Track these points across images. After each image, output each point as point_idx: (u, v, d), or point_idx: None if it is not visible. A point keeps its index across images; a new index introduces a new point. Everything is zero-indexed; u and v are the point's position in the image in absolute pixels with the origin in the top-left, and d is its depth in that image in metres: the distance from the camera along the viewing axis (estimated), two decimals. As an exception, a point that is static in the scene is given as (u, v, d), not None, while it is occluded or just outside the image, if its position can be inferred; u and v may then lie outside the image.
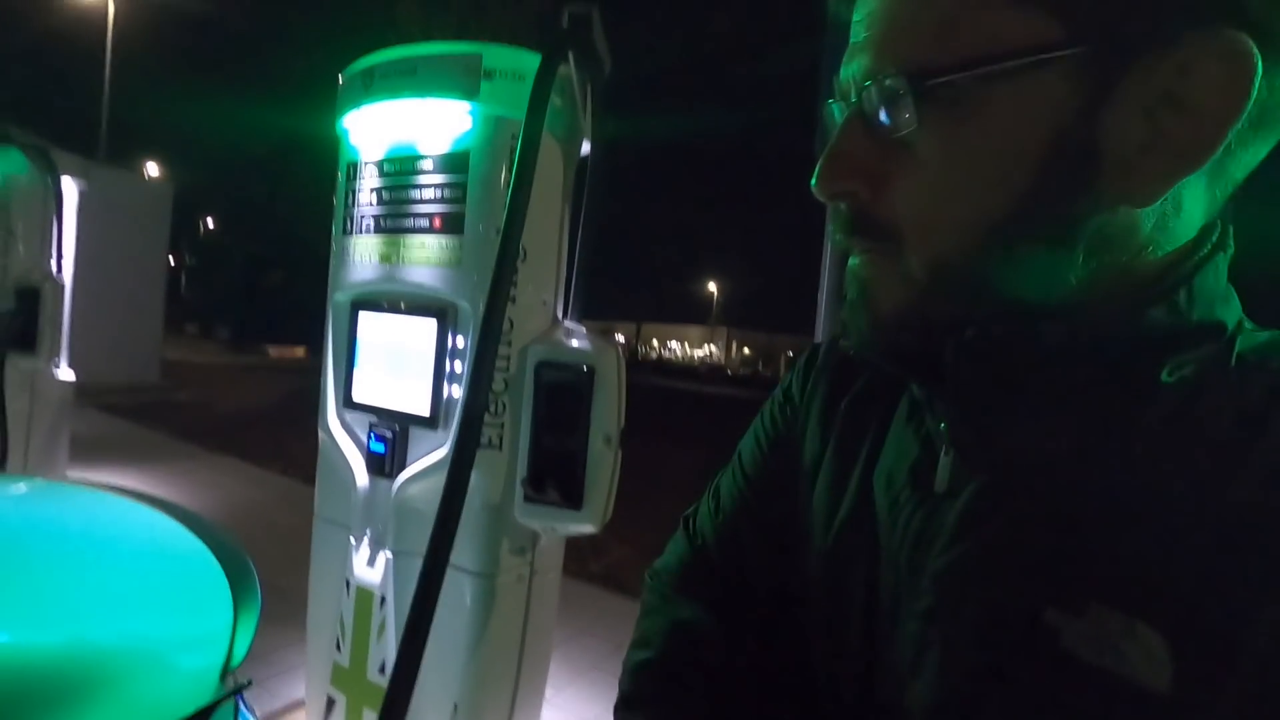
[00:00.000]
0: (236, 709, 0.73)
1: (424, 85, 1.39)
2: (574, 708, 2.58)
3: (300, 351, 19.29)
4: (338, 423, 1.63)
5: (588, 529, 1.41)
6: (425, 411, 1.45)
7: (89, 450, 5.02)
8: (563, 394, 1.40)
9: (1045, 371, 0.36)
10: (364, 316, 1.56)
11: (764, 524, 0.55)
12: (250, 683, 0.69)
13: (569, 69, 1.34)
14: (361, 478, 1.55)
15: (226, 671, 0.71)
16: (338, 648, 1.60)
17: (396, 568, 1.50)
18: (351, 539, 1.57)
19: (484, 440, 1.40)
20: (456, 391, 1.43)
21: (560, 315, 1.51)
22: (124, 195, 8.96)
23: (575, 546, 3.01)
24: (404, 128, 1.46)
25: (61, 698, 0.63)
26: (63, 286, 3.22)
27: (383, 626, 1.51)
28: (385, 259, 1.50)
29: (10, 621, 0.70)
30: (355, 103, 1.50)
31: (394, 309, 1.51)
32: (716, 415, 14.33)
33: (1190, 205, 0.36)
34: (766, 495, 0.56)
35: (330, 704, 1.62)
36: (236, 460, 5.69)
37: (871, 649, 0.44)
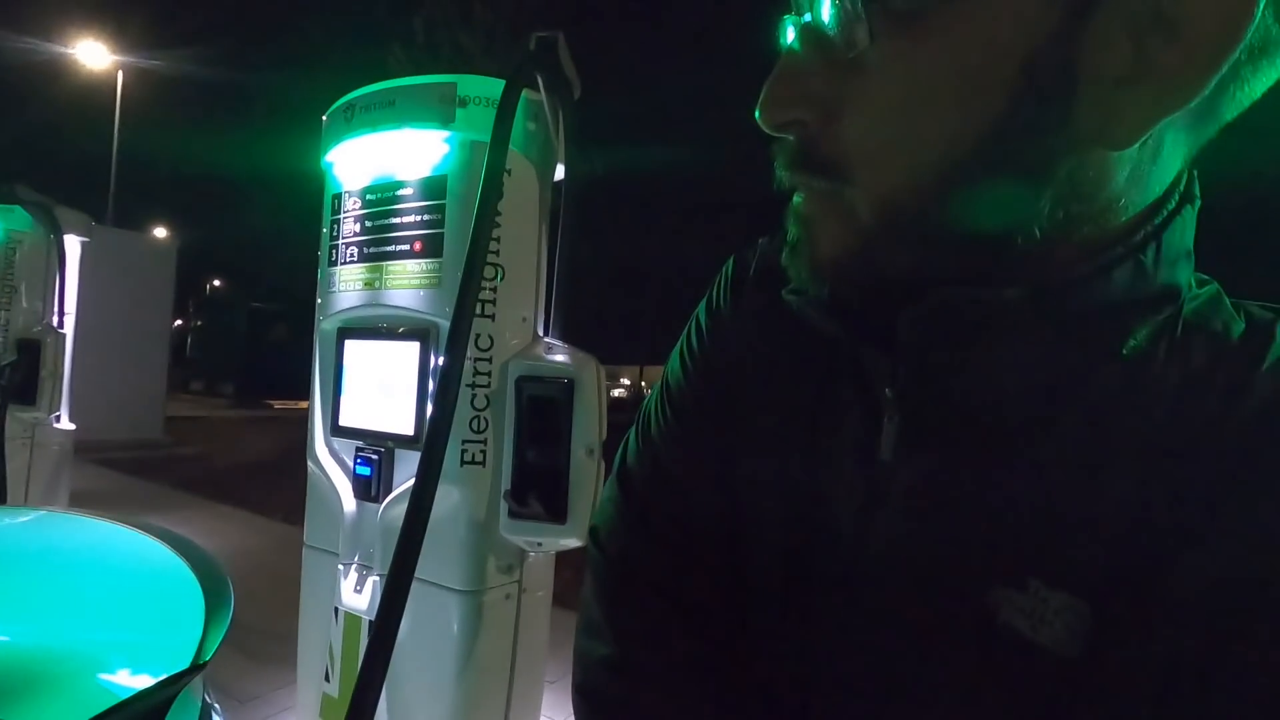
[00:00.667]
0: (205, 708, 0.73)
1: (402, 116, 1.45)
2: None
3: (303, 404, 19.27)
4: (325, 450, 1.64)
5: (573, 542, 1.41)
6: (410, 430, 1.47)
7: (89, 503, 5.01)
8: (544, 408, 1.41)
9: (1003, 340, 0.34)
10: (350, 344, 1.59)
11: (698, 464, 0.48)
12: (205, 663, 0.70)
13: (539, 94, 1.40)
14: (349, 503, 1.56)
15: (197, 665, 0.72)
16: (326, 678, 1.58)
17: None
18: (340, 566, 1.57)
19: (467, 457, 1.42)
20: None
21: (540, 332, 1.54)
22: (128, 255, 9.13)
23: (571, 576, 2.97)
24: (385, 158, 1.51)
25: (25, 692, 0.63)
26: (64, 338, 3.28)
27: (371, 652, 1.50)
28: (369, 285, 1.54)
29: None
30: (338, 138, 1.56)
31: (378, 333, 1.54)
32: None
33: (1170, 152, 0.32)
34: (699, 432, 0.49)
35: (320, 737, 1.59)
36: (237, 509, 5.67)
37: (805, 613, 0.42)
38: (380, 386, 1.53)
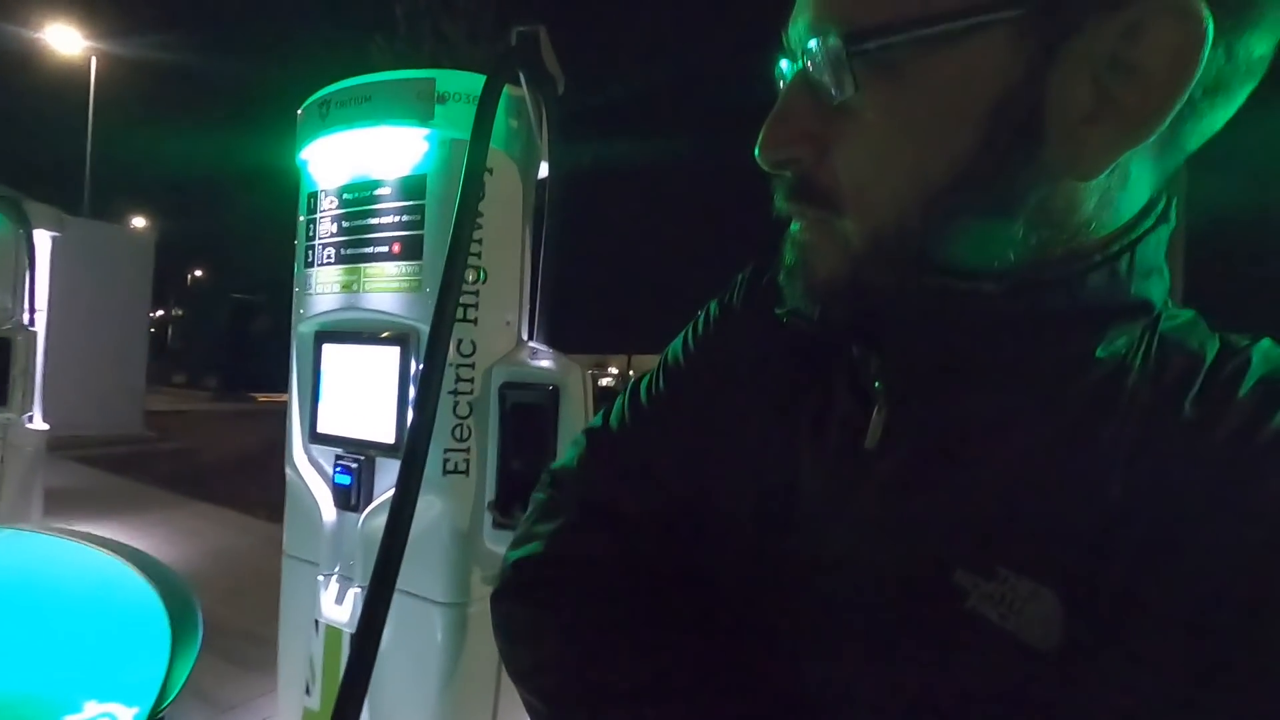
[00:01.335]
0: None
1: (379, 113, 1.39)
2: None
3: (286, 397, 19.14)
4: (304, 457, 1.59)
5: (559, 553, 1.38)
6: (390, 439, 1.43)
7: (65, 502, 4.92)
8: (528, 415, 1.38)
9: (983, 340, 0.36)
10: (328, 347, 1.54)
11: (679, 426, 0.51)
12: (164, 710, 0.66)
13: (522, 90, 1.35)
14: (328, 512, 1.52)
15: (157, 712, 0.68)
16: (307, 691, 1.54)
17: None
18: (320, 577, 1.53)
19: (450, 466, 1.38)
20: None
21: (524, 336, 1.49)
22: (104, 246, 8.96)
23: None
24: (361, 156, 1.46)
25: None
26: (35, 336, 3.19)
27: (352, 665, 1.46)
28: (347, 288, 1.49)
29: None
30: (313, 134, 1.50)
31: (357, 338, 1.50)
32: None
33: (1137, 179, 0.35)
34: (686, 407, 0.51)
35: (302, 751, 1.56)
36: (219, 508, 5.59)
37: (780, 596, 0.42)
38: (359, 393, 1.49)
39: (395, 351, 1.42)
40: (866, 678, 0.38)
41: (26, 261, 3.20)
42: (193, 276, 26.06)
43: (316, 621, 1.52)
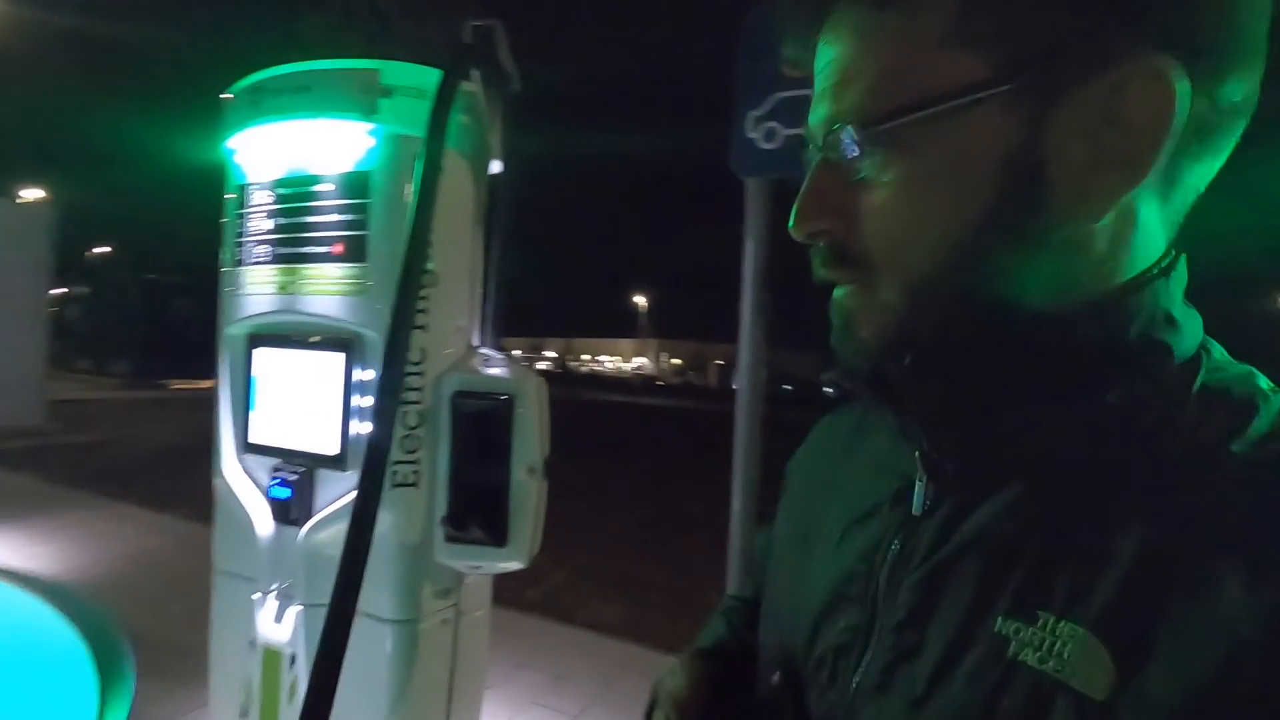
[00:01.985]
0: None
1: (319, 104, 1.30)
2: (513, 747, 2.48)
3: (208, 384, 18.20)
4: (235, 468, 1.50)
5: (515, 565, 1.34)
6: (334, 450, 1.35)
7: (-41, 506, 4.52)
8: (482, 425, 1.33)
9: (997, 393, 0.39)
10: (261, 352, 1.45)
11: (775, 550, 0.60)
12: None
13: (476, 85, 1.29)
14: (264, 526, 1.43)
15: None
16: (244, 714, 1.46)
17: (308, 622, 1.38)
18: (256, 595, 1.44)
19: (399, 479, 1.32)
20: (366, 428, 1.34)
21: (476, 341, 1.44)
22: (-4, 222, 8.21)
23: (510, 574, 2.91)
24: (298, 149, 1.36)
25: None
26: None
27: (294, 688, 1.39)
28: (283, 289, 1.40)
29: None
30: (243, 122, 1.39)
31: (295, 343, 1.41)
32: (653, 426, 14.34)
33: (1147, 220, 0.38)
34: (781, 525, 0.60)
35: (238, 777, 1.48)
36: (135, 507, 5.25)
37: (846, 674, 0.45)
38: (298, 401, 1.40)
39: (339, 358, 1.34)
40: None
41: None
42: (102, 255, 24.24)
43: (253, 642, 1.44)
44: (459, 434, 1.33)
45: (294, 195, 1.38)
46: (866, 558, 0.46)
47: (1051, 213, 0.36)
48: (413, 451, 1.33)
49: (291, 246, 1.38)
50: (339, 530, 1.35)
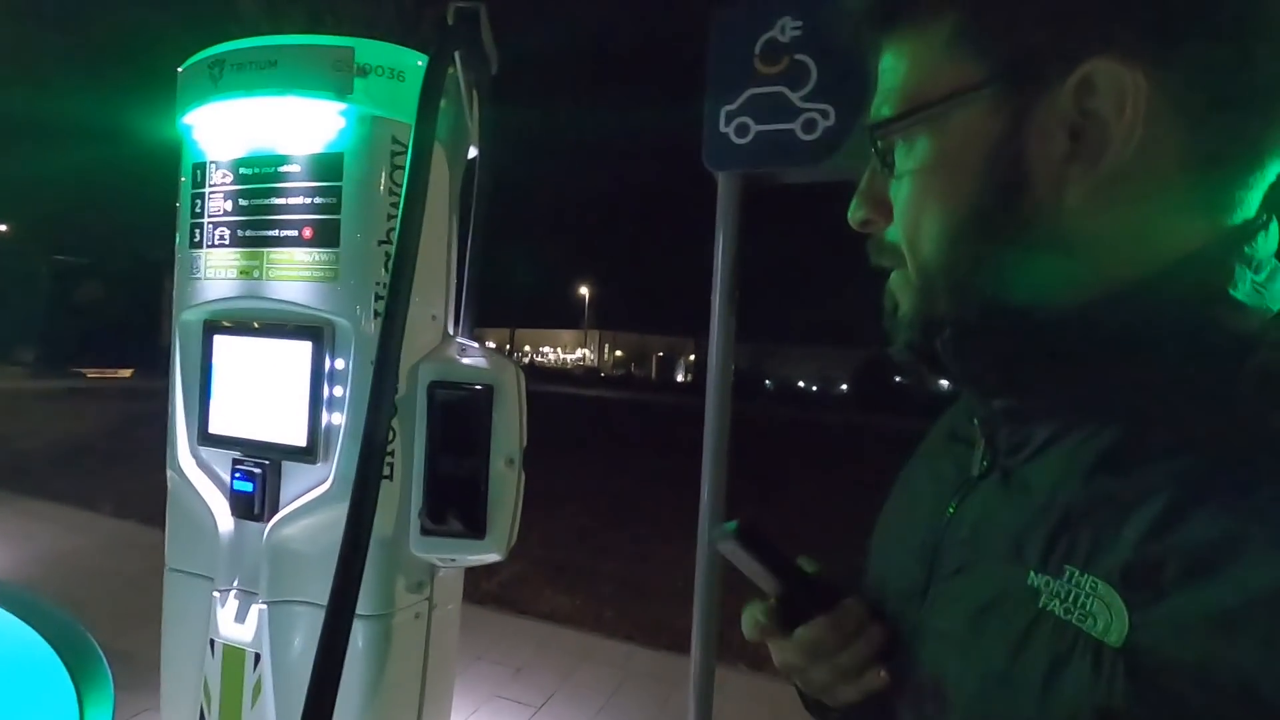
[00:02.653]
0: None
1: (287, 81, 1.24)
2: (473, 740, 2.45)
3: (126, 373, 17.14)
4: (191, 461, 1.43)
5: (492, 557, 1.33)
6: (301, 442, 1.31)
7: None
8: (459, 416, 1.31)
9: (1039, 363, 0.42)
10: (222, 339, 1.38)
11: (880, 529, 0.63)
12: None
13: (455, 69, 1.26)
14: (225, 522, 1.37)
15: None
16: (202, 717, 1.40)
17: (273, 620, 1.33)
18: (215, 593, 1.38)
19: (372, 470, 1.29)
20: (338, 419, 1.29)
21: (451, 330, 1.42)
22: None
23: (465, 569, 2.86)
24: (264, 127, 1.30)
25: None
26: None
27: (259, 688, 1.34)
28: (245, 274, 1.33)
29: None
30: (201, 98, 1.32)
31: (259, 330, 1.35)
32: (594, 418, 14.32)
33: (1162, 220, 0.39)
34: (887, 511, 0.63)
35: (196, 782, 1.42)
36: (53, 504, 4.92)
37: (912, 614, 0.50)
38: (262, 391, 1.35)
39: (307, 346, 1.30)
40: (958, 671, 0.43)
41: None
42: (1, 233, 22.40)
43: (212, 641, 1.38)
44: (435, 425, 1.31)
45: (258, 175, 1.32)
46: (937, 515, 0.51)
47: (1035, 203, 0.40)
48: (388, 443, 1.29)
49: (255, 229, 1.32)
50: (307, 524, 1.31)
